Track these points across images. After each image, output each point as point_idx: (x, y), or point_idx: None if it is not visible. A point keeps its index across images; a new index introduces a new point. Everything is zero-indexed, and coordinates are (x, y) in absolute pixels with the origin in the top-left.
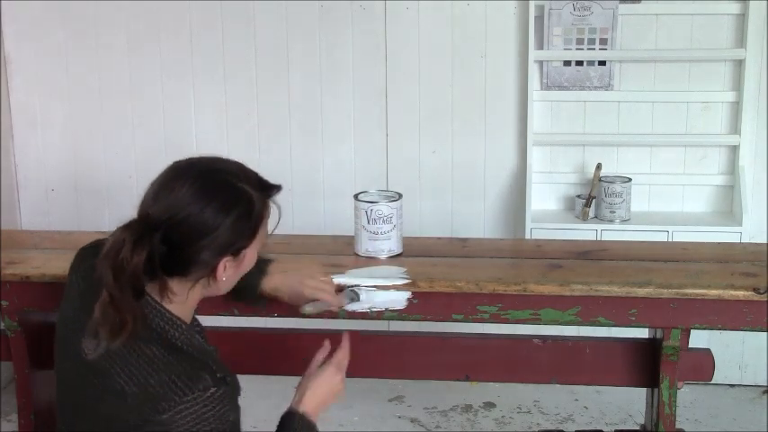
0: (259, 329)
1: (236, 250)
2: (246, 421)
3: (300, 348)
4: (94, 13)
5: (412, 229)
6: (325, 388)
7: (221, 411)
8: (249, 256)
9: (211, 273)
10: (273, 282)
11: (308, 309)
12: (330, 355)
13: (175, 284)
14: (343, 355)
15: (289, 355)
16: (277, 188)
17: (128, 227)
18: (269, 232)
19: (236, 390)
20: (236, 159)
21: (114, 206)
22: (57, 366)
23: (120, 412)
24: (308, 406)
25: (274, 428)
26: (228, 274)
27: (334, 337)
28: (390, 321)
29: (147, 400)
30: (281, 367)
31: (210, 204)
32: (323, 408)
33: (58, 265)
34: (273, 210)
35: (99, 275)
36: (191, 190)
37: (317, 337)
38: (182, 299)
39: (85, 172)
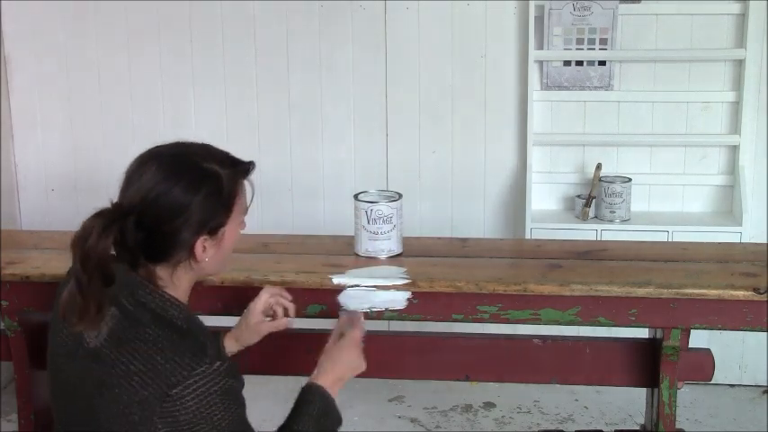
0: None
1: (212, 229)
2: None
3: (301, 348)
4: (94, 13)
5: (412, 229)
6: (343, 364)
7: (227, 385)
8: (229, 235)
9: (191, 254)
10: (228, 334)
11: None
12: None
13: (160, 270)
14: (358, 332)
15: (290, 355)
16: (247, 164)
17: (98, 215)
18: (246, 208)
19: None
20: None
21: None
22: (51, 367)
23: (125, 394)
24: (326, 380)
25: (275, 428)
26: (210, 254)
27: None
28: (390, 321)
29: (155, 376)
30: (282, 367)
31: (178, 184)
32: (340, 382)
33: (58, 265)
34: (249, 189)
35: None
36: (158, 173)
37: (319, 336)
38: (169, 283)
39: (85, 172)
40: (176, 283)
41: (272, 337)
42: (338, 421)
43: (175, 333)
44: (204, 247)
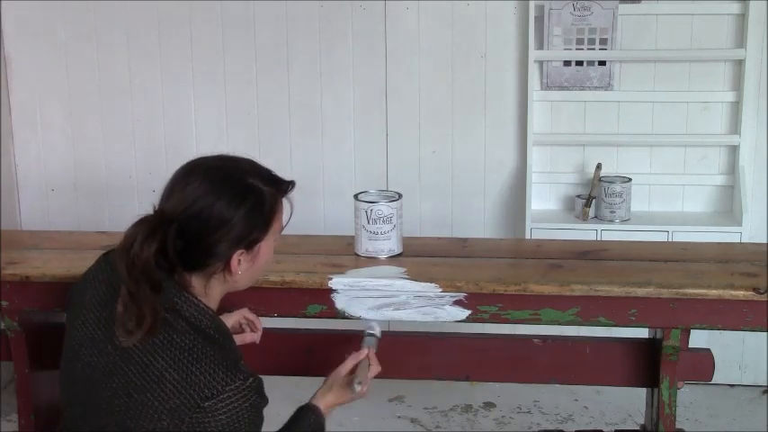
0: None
1: (249, 243)
2: None
3: (301, 348)
4: (94, 13)
5: (412, 229)
6: (350, 397)
7: (256, 401)
8: (264, 251)
9: (226, 266)
10: None
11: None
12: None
13: (194, 279)
14: (375, 371)
15: (290, 355)
16: (289, 184)
17: (141, 222)
18: (283, 226)
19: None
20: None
21: (114, 206)
22: (69, 357)
23: (157, 400)
24: (326, 403)
25: (276, 428)
26: (244, 268)
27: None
28: (390, 321)
29: (189, 386)
30: (282, 367)
31: (222, 198)
32: (336, 407)
33: (58, 265)
34: (287, 207)
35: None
36: (203, 184)
37: (318, 337)
38: (201, 292)
39: (85, 172)
40: (209, 293)
41: (272, 337)
42: None
43: (209, 344)
44: (239, 261)
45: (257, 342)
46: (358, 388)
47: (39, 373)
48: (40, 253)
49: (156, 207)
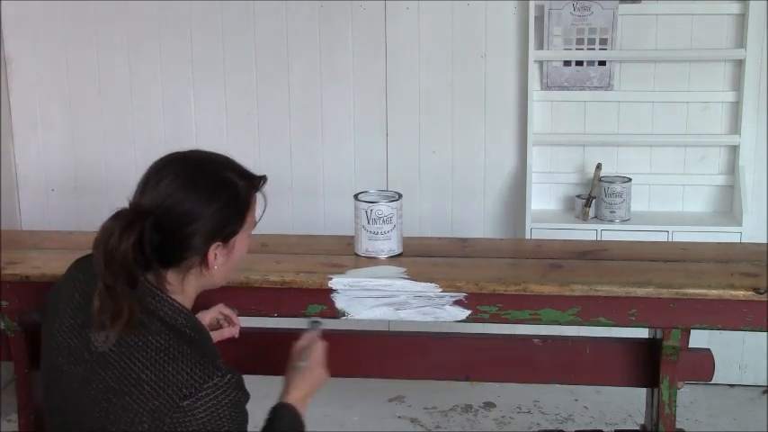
0: (259, 329)
1: (225, 237)
2: None
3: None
4: (94, 13)
5: (412, 229)
6: (310, 381)
7: (236, 397)
8: (239, 245)
9: (203, 260)
10: None
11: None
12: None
13: (170, 275)
14: (322, 348)
15: (288, 356)
16: (261, 179)
17: (117, 216)
18: (256, 221)
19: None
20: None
21: (114, 206)
22: (48, 366)
23: (136, 403)
24: (294, 398)
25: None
26: (220, 262)
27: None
28: (390, 321)
29: (167, 386)
30: (281, 367)
31: (196, 191)
32: (309, 399)
33: (58, 265)
34: (260, 202)
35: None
36: (178, 178)
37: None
38: (178, 289)
39: (85, 172)
40: (185, 289)
41: (271, 338)
42: None
43: (185, 343)
44: (216, 255)
45: (236, 336)
46: (301, 365)
47: (38, 372)
48: (40, 253)
49: (131, 201)
